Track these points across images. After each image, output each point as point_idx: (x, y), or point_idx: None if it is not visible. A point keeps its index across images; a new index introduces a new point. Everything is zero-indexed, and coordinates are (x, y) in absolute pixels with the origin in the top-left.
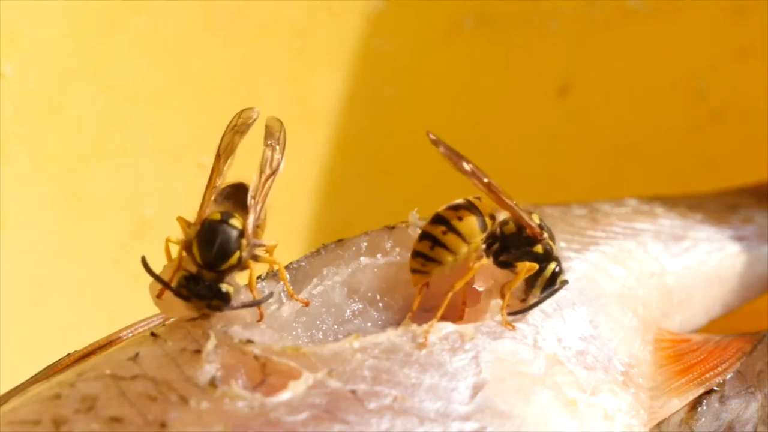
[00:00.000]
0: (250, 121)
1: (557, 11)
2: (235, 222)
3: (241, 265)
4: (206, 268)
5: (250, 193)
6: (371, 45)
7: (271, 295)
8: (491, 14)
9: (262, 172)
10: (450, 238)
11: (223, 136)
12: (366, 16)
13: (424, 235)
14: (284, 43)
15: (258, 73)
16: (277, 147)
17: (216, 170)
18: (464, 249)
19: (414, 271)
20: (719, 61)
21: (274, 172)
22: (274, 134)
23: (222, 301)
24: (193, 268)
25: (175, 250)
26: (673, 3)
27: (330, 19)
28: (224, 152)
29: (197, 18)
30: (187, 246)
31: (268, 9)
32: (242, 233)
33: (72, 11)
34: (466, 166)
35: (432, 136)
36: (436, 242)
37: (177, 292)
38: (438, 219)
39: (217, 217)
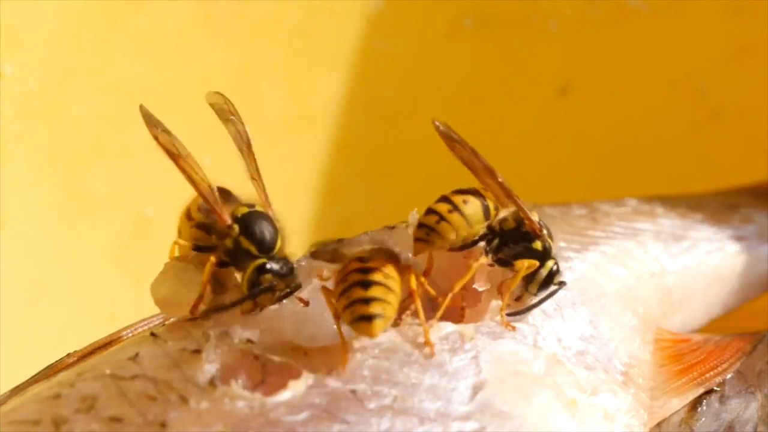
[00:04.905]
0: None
1: (557, 11)
2: (259, 208)
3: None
4: (266, 252)
5: (251, 174)
6: (371, 45)
7: (278, 289)
8: (491, 14)
9: (241, 150)
10: (455, 217)
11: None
12: (366, 16)
13: (430, 211)
14: (284, 43)
15: (258, 73)
16: (236, 120)
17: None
18: (465, 231)
19: (417, 239)
20: (719, 61)
21: (249, 145)
22: (224, 108)
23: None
24: (248, 262)
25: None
26: (673, 3)
27: (330, 19)
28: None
29: (197, 18)
30: (234, 247)
31: (268, 9)
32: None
33: (72, 11)
34: (465, 148)
35: (437, 123)
36: (442, 218)
37: (261, 290)
38: (444, 199)
39: (245, 210)
